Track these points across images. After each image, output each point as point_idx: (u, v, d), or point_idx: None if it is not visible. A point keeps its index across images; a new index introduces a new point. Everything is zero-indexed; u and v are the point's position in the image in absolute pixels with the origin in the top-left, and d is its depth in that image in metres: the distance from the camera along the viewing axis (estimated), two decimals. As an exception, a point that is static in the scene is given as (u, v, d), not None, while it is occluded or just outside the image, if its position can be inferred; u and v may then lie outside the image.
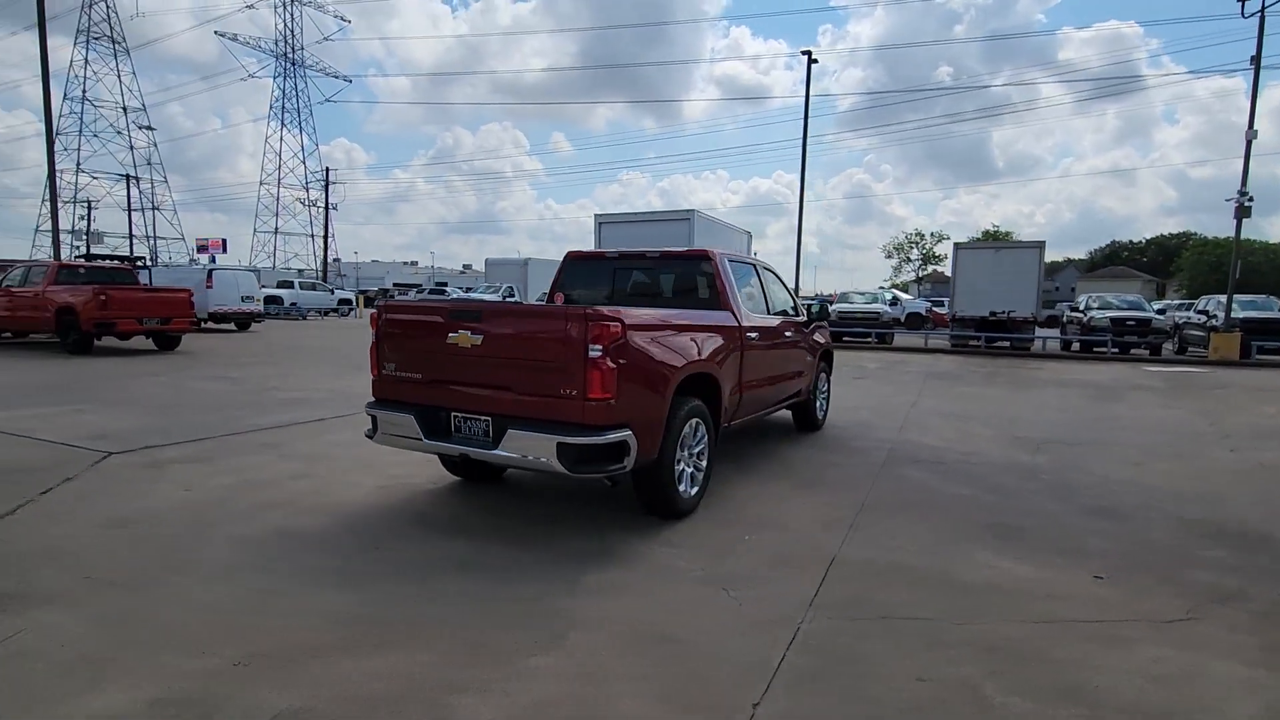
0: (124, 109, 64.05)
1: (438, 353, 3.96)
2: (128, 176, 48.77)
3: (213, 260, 54.60)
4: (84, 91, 62.04)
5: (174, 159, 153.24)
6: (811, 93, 21.60)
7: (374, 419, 4.17)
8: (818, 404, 7.18)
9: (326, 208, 45.84)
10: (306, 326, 25.60)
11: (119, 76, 64.49)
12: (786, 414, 7.06)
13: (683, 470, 4.22)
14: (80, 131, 61.83)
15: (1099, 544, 3.95)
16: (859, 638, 2.80)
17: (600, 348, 3.48)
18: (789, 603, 3.09)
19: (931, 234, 72.37)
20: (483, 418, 3.82)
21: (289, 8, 67.63)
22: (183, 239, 67.18)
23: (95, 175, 61.52)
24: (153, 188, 64.62)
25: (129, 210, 48.97)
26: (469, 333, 3.83)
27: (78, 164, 61.52)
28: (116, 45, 63.30)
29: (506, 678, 2.43)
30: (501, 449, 3.67)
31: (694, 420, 4.26)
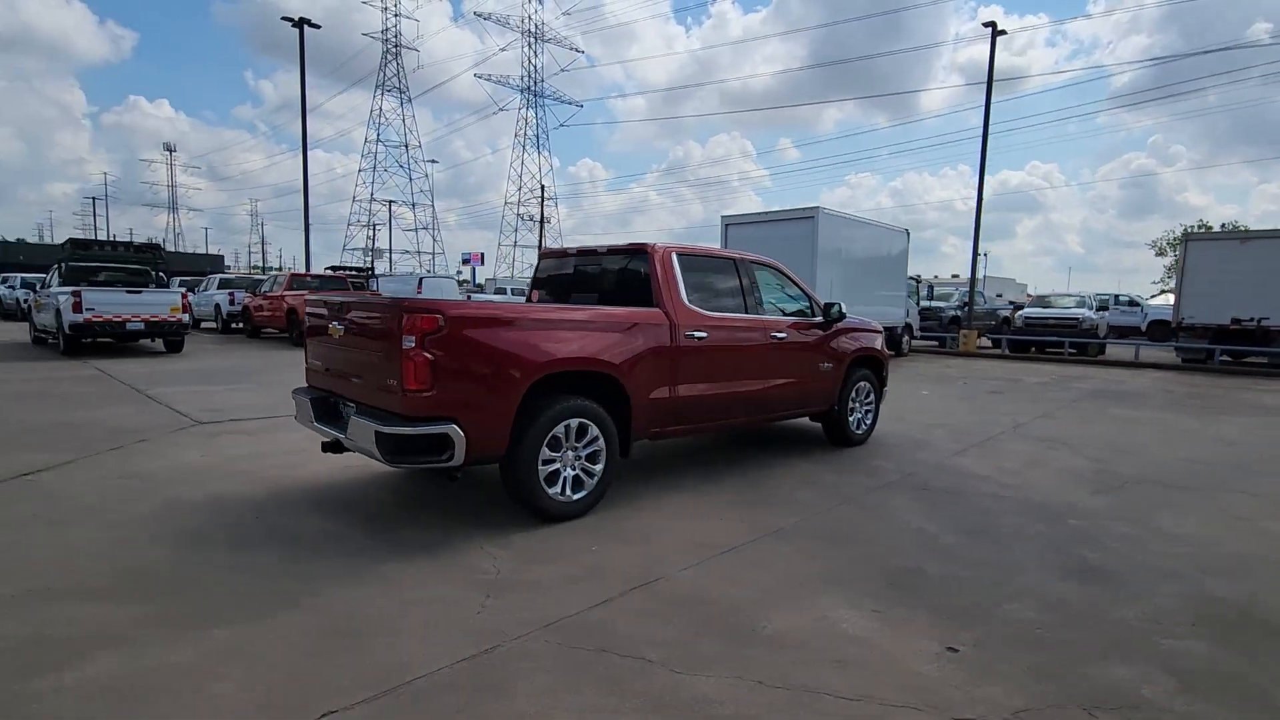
0: (405, 146, 76.96)
1: (326, 343, 4.26)
2: (389, 203, 57.91)
3: (473, 272, 63.77)
4: (378, 134, 75.54)
5: (452, 185, 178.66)
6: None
7: (295, 402, 4.61)
8: (853, 417, 6.35)
9: (541, 221, 50.31)
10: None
11: (404, 119, 77.72)
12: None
13: (556, 471, 4.04)
14: (374, 167, 75.69)
15: (1018, 661, 2.97)
16: (535, 666, 2.49)
17: (413, 339, 3.49)
18: (528, 620, 2.84)
19: (1233, 224, 58.74)
20: (350, 404, 4.04)
21: (532, 46, 75.60)
22: (443, 254, 79.12)
23: (383, 202, 75.17)
24: (434, 214, 76.81)
25: (389, 229, 58.26)
26: (336, 324, 4.07)
27: (371, 194, 75.41)
28: (403, 94, 76.25)
29: (171, 639, 2.58)
30: (348, 435, 3.85)
31: (573, 421, 4.06)
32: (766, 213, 14.25)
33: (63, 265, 14.33)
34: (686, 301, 4.83)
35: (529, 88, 77.76)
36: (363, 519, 4.05)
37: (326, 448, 4.30)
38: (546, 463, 3.99)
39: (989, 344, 19.13)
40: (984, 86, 19.28)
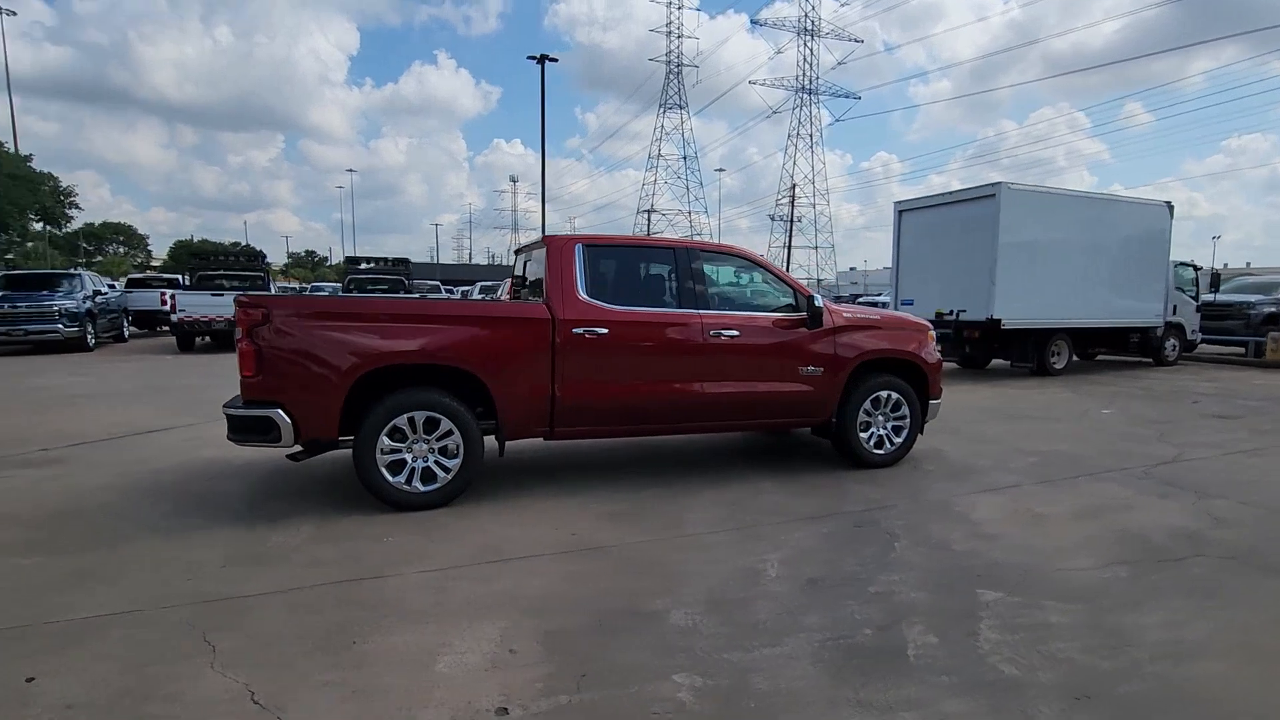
0: (685, 158, 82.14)
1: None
2: (648, 210, 61.84)
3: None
4: (659, 150, 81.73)
5: (746, 190, 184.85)
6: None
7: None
8: (869, 433, 5.26)
9: (791, 220, 49.33)
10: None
11: (683, 133, 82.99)
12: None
13: (401, 461, 4.12)
14: (655, 181, 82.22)
15: None
16: (140, 621, 2.64)
17: (241, 330, 3.89)
18: (187, 591, 3.01)
19: None
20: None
21: (808, 45, 74.58)
22: None
23: (661, 213, 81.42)
24: (718, 221, 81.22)
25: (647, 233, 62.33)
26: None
27: (651, 205, 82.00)
28: (683, 109, 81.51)
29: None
30: (233, 418, 4.38)
31: (418, 414, 4.10)
32: (943, 194, 12.14)
33: (347, 278, 18.32)
34: (583, 295, 4.51)
35: (803, 87, 76.79)
36: (255, 495, 4.59)
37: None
38: (388, 452, 4.09)
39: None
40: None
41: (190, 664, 2.42)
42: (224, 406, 4.01)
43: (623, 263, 4.86)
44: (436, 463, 4.20)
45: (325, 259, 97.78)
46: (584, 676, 2.37)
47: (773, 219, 64.31)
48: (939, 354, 5.59)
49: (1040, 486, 4.83)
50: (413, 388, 4.14)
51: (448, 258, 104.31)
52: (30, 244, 37.15)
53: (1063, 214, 11.43)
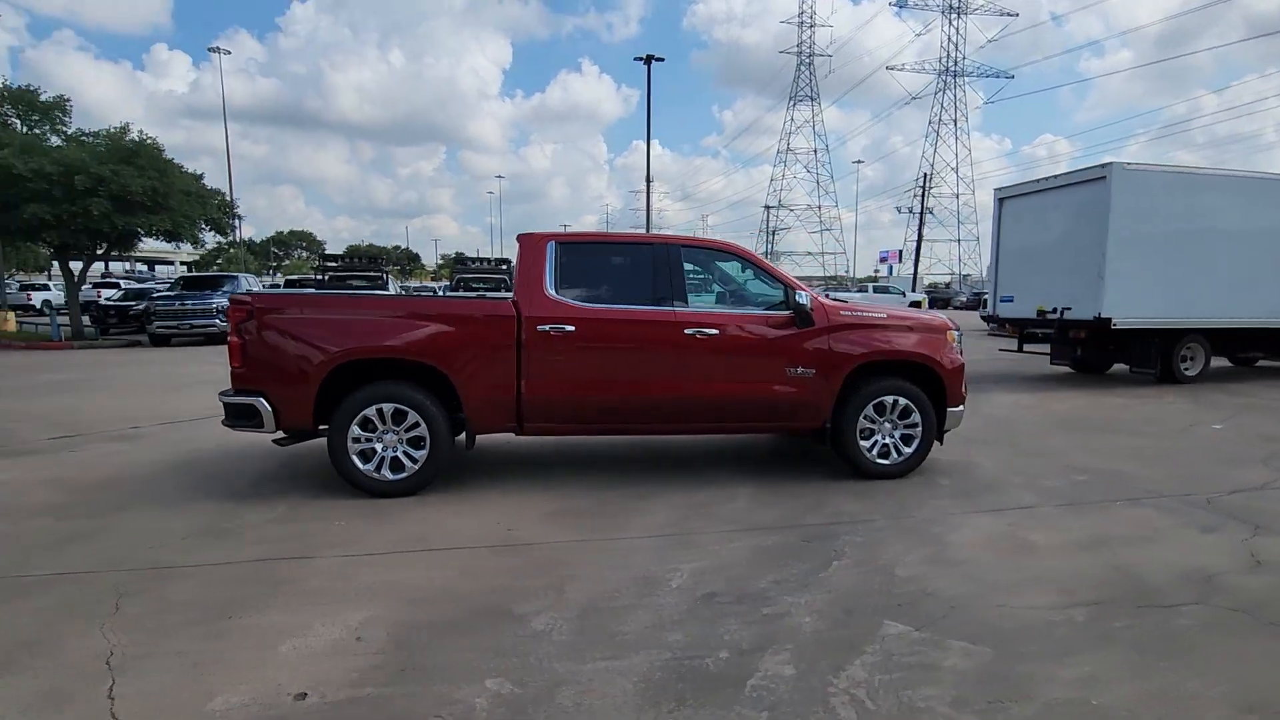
0: (814, 151, 79.76)
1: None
2: (771, 206, 60.29)
3: (890, 269, 63.13)
4: (788, 144, 79.85)
5: (889, 180, 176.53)
6: None
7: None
8: (873, 440, 4.86)
9: (922, 212, 46.30)
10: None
11: (813, 125, 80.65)
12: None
13: (371, 450, 4.35)
14: (784, 176, 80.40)
15: None
16: (62, 577, 3.01)
17: (230, 325, 4.28)
18: (111, 557, 3.37)
19: None
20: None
21: (953, 24, 69.66)
22: (843, 251, 79.87)
23: (790, 207, 79.63)
24: (856, 214, 78.73)
25: (770, 232, 60.65)
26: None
27: (779, 200, 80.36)
28: (814, 100, 79.15)
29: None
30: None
31: (386, 406, 4.31)
32: (1048, 178, 10.82)
33: (454, 276, 19.59)
34: (551, 293, 4.53)
35: (947, 69, 71.77)
36: (263, 476, 5.02)
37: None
38: (359, 441, 4.34)
39: None
40: None
41: (88, 624, 2.72)
42: (219, 394, 4.43)
43: (597, 260, 4.82)
44: (405, 453, 4.40)
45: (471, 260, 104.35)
46: (402, 671, 2.41)
47: (899, 210, 60.53)
48: (960, 356, 5.05)
49: (1060, 509, 4.24)
50: (383, 381, 4.37)
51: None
52: (231, 249, 42.97)
53: (1202, 197, 9.85)
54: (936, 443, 5.00)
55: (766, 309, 4.81)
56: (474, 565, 3.38)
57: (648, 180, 27.69)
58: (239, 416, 4.35)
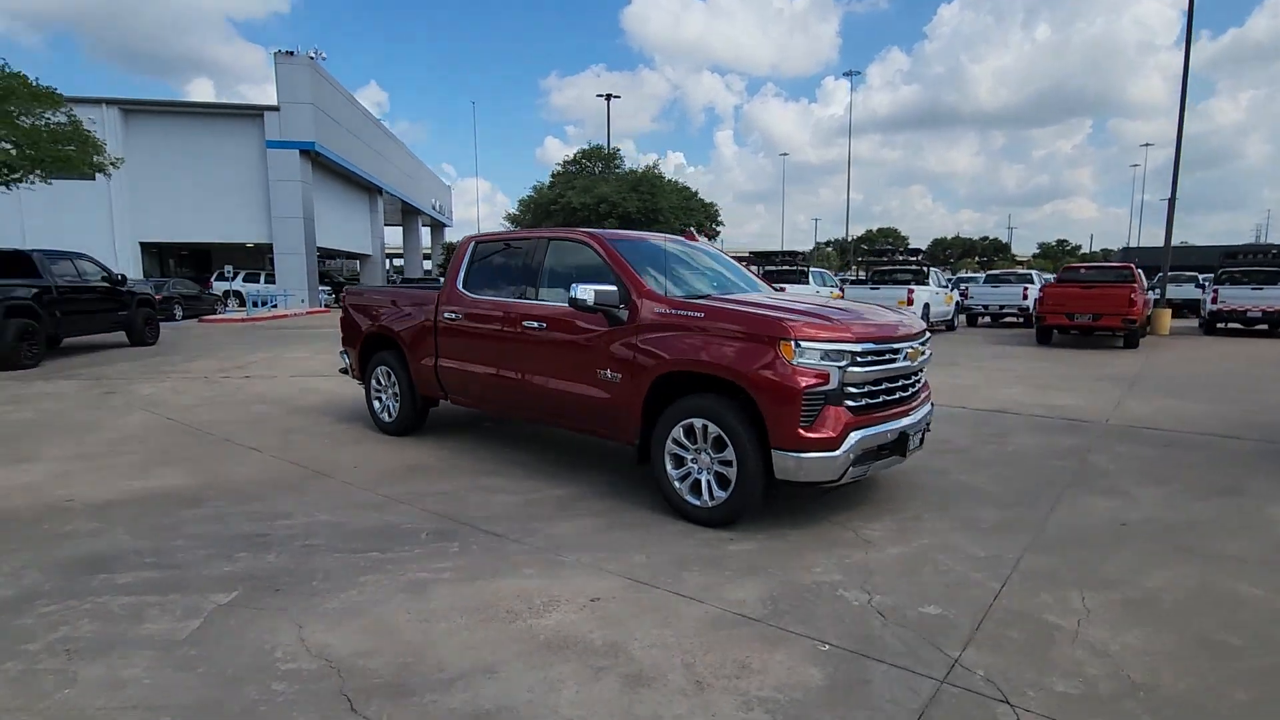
0: None
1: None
2: None
3: None
4: None
5: None
6: None
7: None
8: (681, 470, 3.89)
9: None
10: None
11: None
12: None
13: (380, 401, 6.12)
14: None
15: None
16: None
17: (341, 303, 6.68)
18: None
19: None
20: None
21: None
22: None
23: None
24: None
25: None
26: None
27: None
28: None
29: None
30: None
31: (381, 369, 6.01)
32: None
33: (871, 270, 19.01)
34: (459, 286, 5.33)
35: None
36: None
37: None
38: (378, 394, 6.17)
39: None
40: None
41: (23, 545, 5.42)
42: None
43: (499, 256, 5.25)
44: (392, 403, 6.00)
45: (1078, 247, 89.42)
46: None
47: None
48: (810, 374, 3.43)
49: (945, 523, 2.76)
50: (377, 349, 6.08)
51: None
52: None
53: None
54: (759, 491, 3.59)
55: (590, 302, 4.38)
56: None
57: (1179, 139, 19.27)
58: (350, 369, 6.76)
